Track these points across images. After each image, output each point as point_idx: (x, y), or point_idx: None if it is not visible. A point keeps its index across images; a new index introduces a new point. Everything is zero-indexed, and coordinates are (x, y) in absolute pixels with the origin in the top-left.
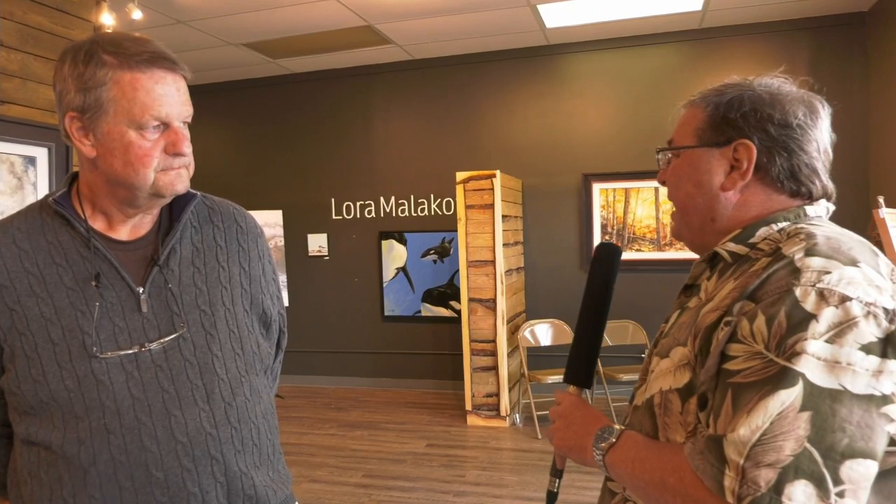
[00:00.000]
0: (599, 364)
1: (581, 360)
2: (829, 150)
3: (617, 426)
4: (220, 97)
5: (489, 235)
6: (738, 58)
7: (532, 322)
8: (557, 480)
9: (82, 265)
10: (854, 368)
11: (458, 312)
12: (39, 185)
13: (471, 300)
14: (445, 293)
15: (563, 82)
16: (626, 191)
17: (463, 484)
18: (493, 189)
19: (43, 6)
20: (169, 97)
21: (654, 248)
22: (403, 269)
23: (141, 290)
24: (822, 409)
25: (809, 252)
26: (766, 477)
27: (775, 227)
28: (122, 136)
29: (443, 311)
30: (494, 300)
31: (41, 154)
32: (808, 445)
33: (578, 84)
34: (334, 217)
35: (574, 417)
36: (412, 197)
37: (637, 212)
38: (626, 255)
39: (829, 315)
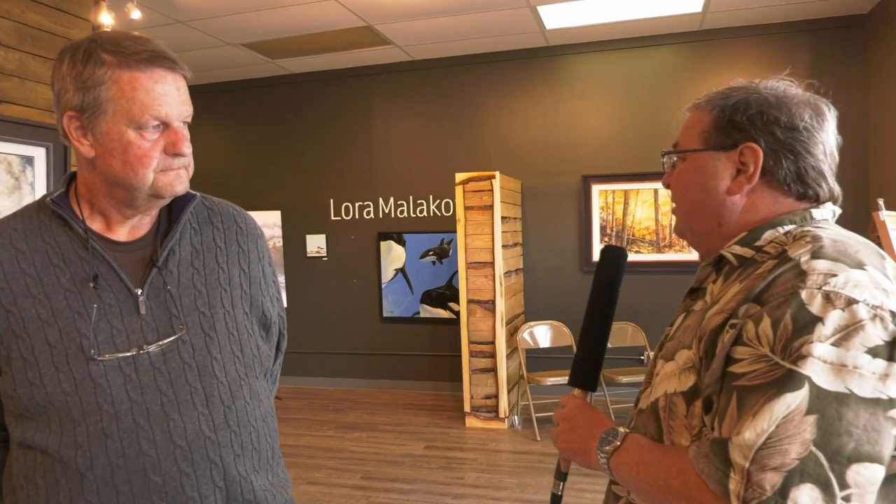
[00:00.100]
0: None
1: (586, 363)
2: (836, 153)
3: (621, 429)
4: (218, 97)
5: (488, 237)
6: (737, 60)
7: (531, 324)
8: (562, 483)
9: (80, 266)
10: (860, 372)
11: (457, 314)
12: (37, 186)
13: (470, 301)
14: (444, 294)
15: (563, 84)
16: (626, 192)
17: (462, 486)
18: (492, 190)
19: (41, 5)
20: (169, 97)
21: (654, 250)
22: (402, 271)
23: (139, 291)
24: (828, 413)
25: (815, 255)
26: (771, 481)
27: (781, 230)
28: (121, 136)
29: (441, 313)
30: (493, 302)
31: (39, 154)
32: (813, 449)
33: (578, 85)
34: (333, 218)
35: (578, 420)
36: (411, 198)
37: (636, 213)
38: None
39: (835, 318)
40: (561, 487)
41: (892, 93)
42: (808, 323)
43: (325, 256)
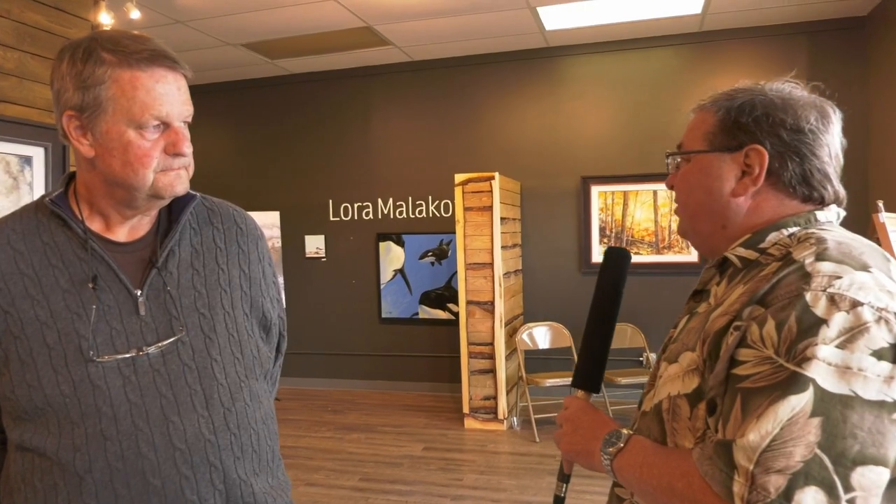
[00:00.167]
0: None
1: (589, 365)
2: (840, 156)
3: (625, 431)
4: (217, 97)
5: (487, 238)
6: (737, 62)
7: (530, 325)
8: (565, 485)
9: (79, 267)
10: (865, 374)
11: (456, 315)
12: (35, 186)
13: (469, 303)
14: (443, 295)
15: (562, 85)
16: (625, 194)
17: (460, 488)
18: (491, 191)
19: (40, 4)
20: (169, 96)
21: (653, 252)
22: (401, 271)
23: (139, 292)
24: (832, 415)
25: (820, 257)
26: (775, 483)
27: (785, 232)
28: (121, 136)
29: (440, 314)
30: (492, 303)
31: (38, 154)
32: (818, 452)
33: (577, 87)
34: (332, 218)
35: (582, 422)
36: (410, 199)
37: (636, 215)
38: None
39: (839, 320)
40: (564, 489)
41: (892, 94)
42: (812, 325)
43: (323, 257)
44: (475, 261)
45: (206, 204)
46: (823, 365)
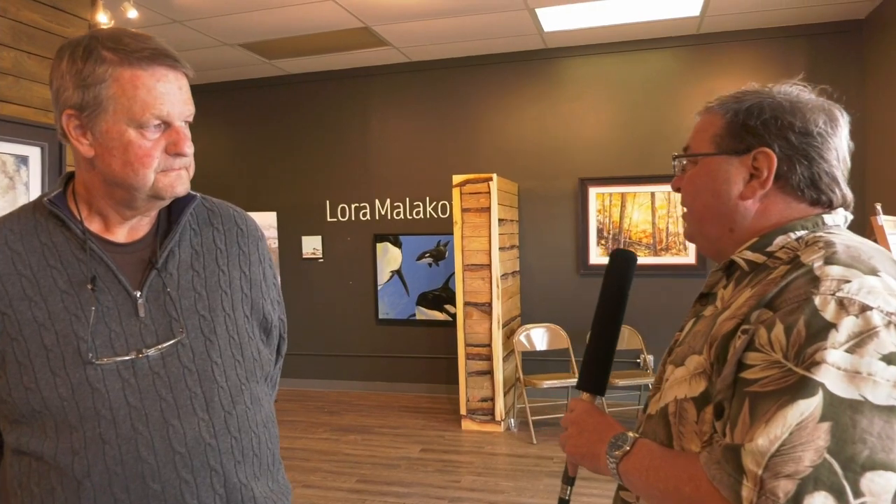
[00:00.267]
0: None
1: (595, 367)
2: (848, 159)
3: (631, 434)
4: (215, 98)
5: (485, 239)
6: (735, 64)
7: (527, 326)
8: (569, 488)
9: (77, 268)
10: (875, 379)
11: (453, 316)
12: (32, 186)
13: (466, 304)
14: (440, 296)
15: (561, 86)
16: (623, 195)
17: (458, 490)
18: (489, 192)
19: (37, 3)
20: (170, 95)
21: (650, 253)
22: (398, 272)
23: (138, 294)
24: (842, 420)
25: (829, 260)
26: (784, 488)
27: (793, 236)
28: (122, 135)
29: (437, 315)
30: (490, 304)
31: (34, 153)
32: (827, 456)
33: (575, 88)
34: (329, 219)
35: (587, 424)
36: (407, 199)
37: (633, 216)
38: None
39: (849, 324)
40: (568, 492)
41: (889, 97)
42: (821, 329)
43: (320, 258)
44: (473, 262)
45: (206, 204)
46: (833, 369)
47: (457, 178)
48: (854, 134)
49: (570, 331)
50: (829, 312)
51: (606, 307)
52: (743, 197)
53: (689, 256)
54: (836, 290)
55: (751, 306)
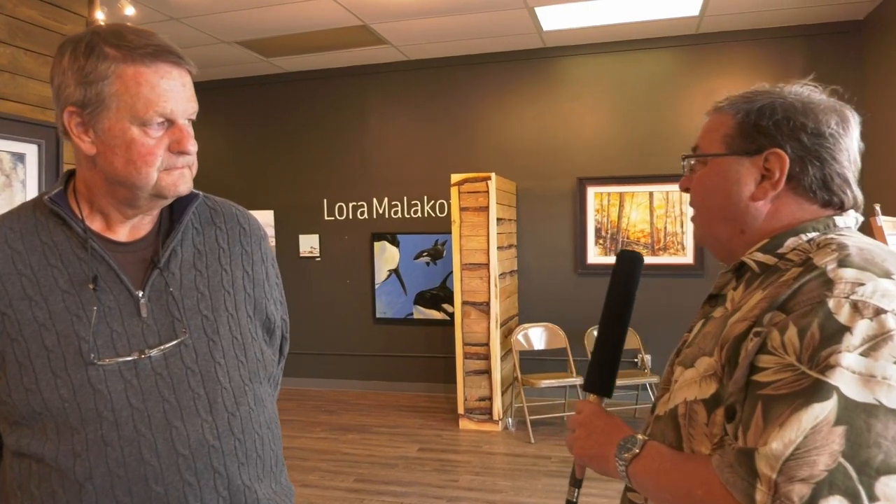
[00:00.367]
0: None
1: (602, 369)
2: (859, 160)
3: (640, 436)
4: (212, 95)
5: (483, 238)
6: (733, 64)
7: (525, 326)
8: (577, 490)
9: (79, 267)
10: (889, 382)
11: (451, 315)
12: (28, 183)
13: (464, 303)
14: (438, 296)
15: (559, 85)
16: (621, 195)
17: (456, 489)
18: (487, 191)
19: None
20: (174, 92)
21: (648, 253)
22: (396, 271)
23: (140, 293)
24: (856, 424)
25: (842, 263)
26: (799, 492)
27: (804, 238)
28: (125, 133)
29: (435, 314)
30: (488, 303)
31: (31, 151)
32: (842, 461)
33: (574, 87)
34: (326, 218)
35: (595, 426)
36: (405, 198)
37: (631, 216)
38: None
39: (863, 327)
40: (576, 494)
41: (888, 98)
42: (835, 332)
43: (318, 257)
44: (471, 261)
45: (208, 203)
46: (847, 373)
47: (455, 177)
48: None
49: (568, 330)
50: (843, 315)
51: (613, 308)
52: (754, 198)
53: (686, 256)
54: (850, 293)
55: (763, 308)
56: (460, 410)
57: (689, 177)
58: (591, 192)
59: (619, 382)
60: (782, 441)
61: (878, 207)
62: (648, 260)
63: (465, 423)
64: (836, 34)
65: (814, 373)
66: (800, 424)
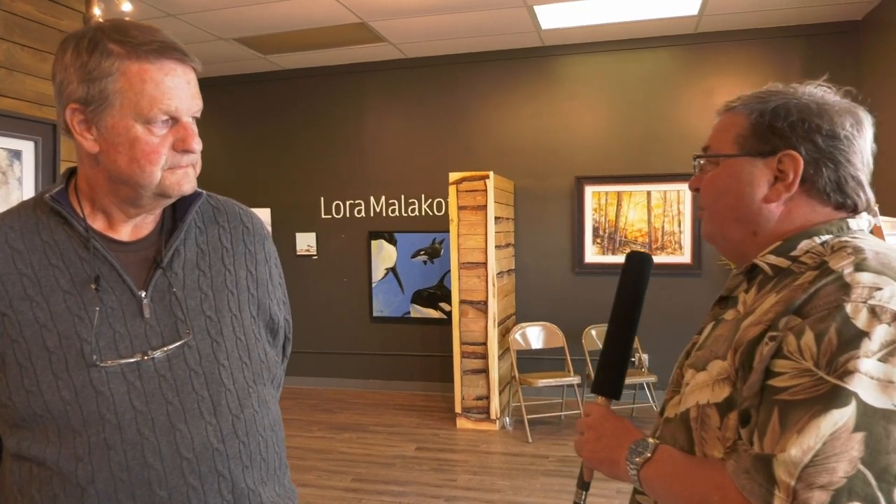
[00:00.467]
0: (590, 368)
1: (611, 370)
2: (871, 162)
3: (651, 440)
4: (209, 92)
5: (481, 237)
6: (732, 64)
7: (523, 325)
8: (584, 493)
9: (80, 267)
10: None
11: (448, 314)
12: (25, 181)
13: (462, 302)
14: (435, 294)
15: (558, 84)
16: (619, 194)
17: (454, 488)
18: (486, 190)
19: None
20: (179, 90)
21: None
22: (393, 270)
23: (143, 294)
24: (875, 430)
25: (859, 267)
26: (819, 499)
27: (818, 240)
28: (128, 131)
29: (432, 313)
30: (486, 302)
31: (27, 148)
32: (861, 467)
33: (572, 86)
34: (323, 216)
35: (605, 429)
36: (403, 197)
37: (629, 215)
38: (616, 259)
39: (881, 333)
40: (584, 497)
41: (885, 98)
42: (854, 337)
43: (314, 255)
44: (469, 260)
45: (211, 202)
46: (866, 378)
47: (453, 176)
48: None
49: (566, 329)
50: (861, 320)
51: (622, 309)
52: (767, 200)
53: (684, 256)
54: (868, 298)
55: (777, 312)
56: (457, 409)
57: (700, 177)
58: (589, 191)
59: None
60: (801, 448)
61: (876, 208)
62: None
63: (462, 423)
64: (834, 34)
65: (832, 378)
66: (818, 431)
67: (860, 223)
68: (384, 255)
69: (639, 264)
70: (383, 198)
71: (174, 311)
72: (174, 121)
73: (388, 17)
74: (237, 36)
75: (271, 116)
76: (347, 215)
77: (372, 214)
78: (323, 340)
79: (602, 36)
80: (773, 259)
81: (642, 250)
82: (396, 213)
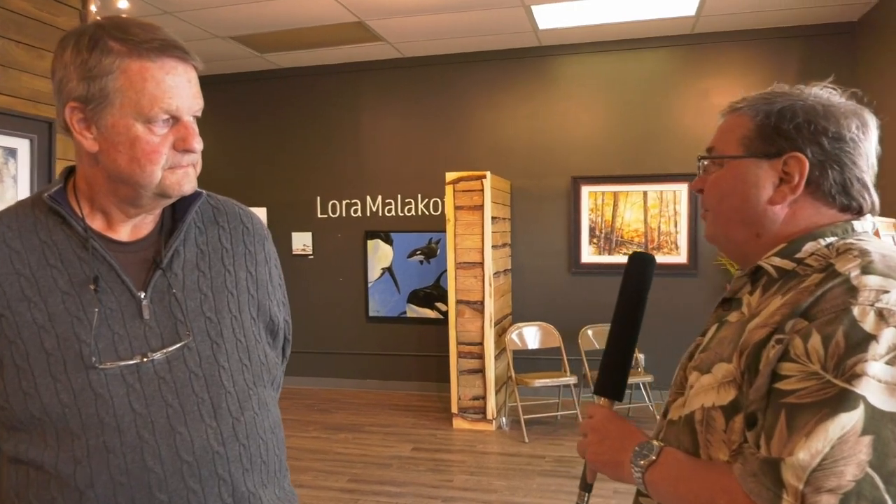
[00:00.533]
0: (587, 368)
1: (613, 372)
2: (875, 164)
3: (656, 442)
4: (205, 91)
5: (478, 237)
6: (729, 64)
7: (519, 325)
8: (587, 495)
9: (79, 267)
10: None
11: (444, 314)
12: (20, 179)
13: (458, 302)
14: (431, 294)
15: (555, 84)
16: (615, 194)
17: (451, 489)
18: (482, 190)
19: None
20: (180, 89)
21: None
22: (389, 270)
23: (142, 294)
24: (883, 434)
25: (866, 270)
26: (827, 503)
27: (822, 242)
28: (129, 130)
29: (428, 313)
30: (482, 302)
31: (22, 146)
32: (869, 471)
33: (569, 86)
34: (319, 215)
35: (609, 431)
36: (399, 196)
37: (625, 215)
38: (613, 259)
39: (889, 336)
40: (586, 498)
41: (881, 99)
42: (861, 341)
43: (310, 254)
44: (465, 260)
45: (211, 202)
46: (874, 382)
47: (450, 176)
48: None
49: (562, 329)
50: (868, 323)
51: (625, 310)
52: (772, 202)
53: (680, 256)
54: (875, 301)
55: (784, 315)
56: (454, 410)
57: (704, 177)
58: (586, 191)
59: None
60: (809, 451)
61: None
62: None
63: (458, 423)
64: (831, 35)
65: (840, 382)
66: (827, 434)
67: (865, 225)
68: (380, 254)
69: (641, 265)
70: (380, 197)
71: (174, 312)
72: (175, 120)
73: (385, 17)
74: (234, 34)
75: (267, 115)
76: (344, 215)
77: (368, 214)
78: (319, 340)
79: (599, 36)
80: (777, 261)
81: (645, 251)
82: (393, 212)
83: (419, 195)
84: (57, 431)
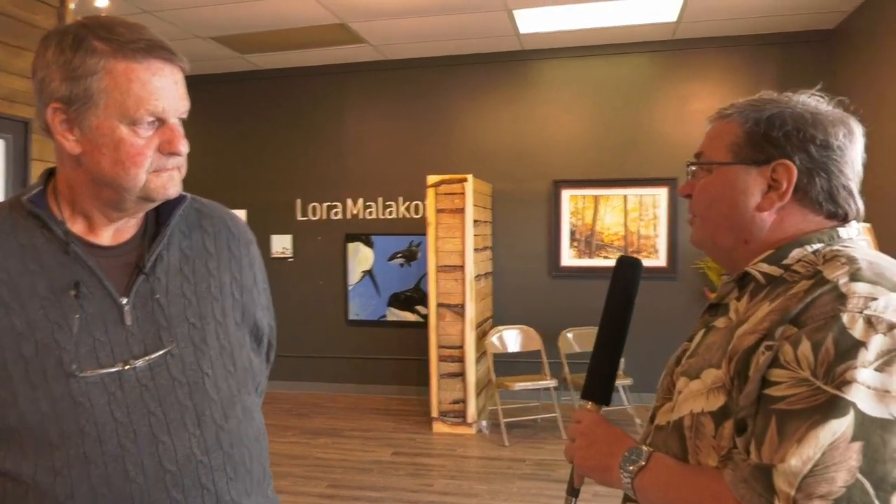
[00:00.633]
0: (567, 371)
1: (601, 376)
2: (861, 171)
3: (645, 448)
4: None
5: (459, 240)
6: (709, 70)
7: (500, 328)
8: (574, 499)
9: (59, 272)
10: None
11: (425, 317)
12: None
13: (439, 305)
14: (412, 297)
15: (536, 88)
16: (596, 198)
17: (431, 493)
18: (464, 193)
19: None
20: (166, 90)
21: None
22: (369, 273)
23: (125, 300)
24: (873, 440)
25: (854, 277)
26: None
27: (809, 249)
28: (113, 132)
29: (409, 316)
30: (463, 305)
31: None
32: (859, 476)
33: (551, 90)
34: (299, 218)
35: (597, 436)
36: (380, 199)
37: (605, 219)
38: (593, 263)
39: (877, 343)
40: (573, 503)
41: (858, 107)
42: (851, 347)
43: (290, 257)
44: (446, 263)
45: (195, 205)
46: (863, 388)
47: (432, 179)
48: None
49: (543, 332)
50: (857, 330)
51: (613, 314)
52: (760, 208)
53: (659, 259)
54: (864, 308)
55: (773, 321)
56: (434, 413)
57: (692, 183)
58: (566, 194)
59: None
60: (801, 458)
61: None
62: None
63: (438, 427)
64: (809, 42)
65: (830, 388)
66: (818, 441)
67: (850, 232)
68: (360, 257)
69: (629, 269)
70: (360, 200)
71: (157, 318)
72: (160, 122)
73: (367, 19)
74: (214, 35)
75: (248, 117)
76: (324, 217)
77: (349, 217)
78: (298, 344)
79: (581, 41)
80: (765, 267)
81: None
82: (374, 215)
83: (400, 198)
84: (35, 441)
